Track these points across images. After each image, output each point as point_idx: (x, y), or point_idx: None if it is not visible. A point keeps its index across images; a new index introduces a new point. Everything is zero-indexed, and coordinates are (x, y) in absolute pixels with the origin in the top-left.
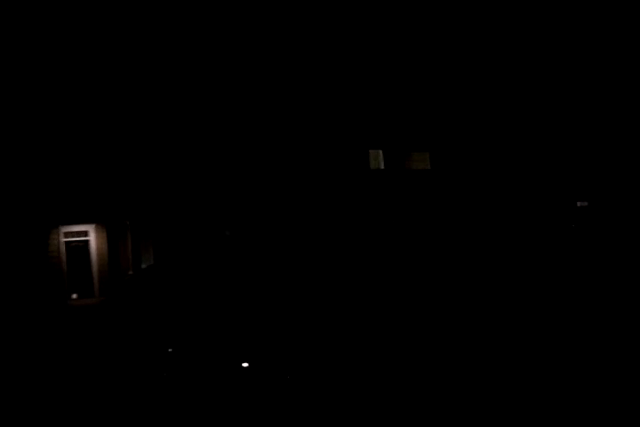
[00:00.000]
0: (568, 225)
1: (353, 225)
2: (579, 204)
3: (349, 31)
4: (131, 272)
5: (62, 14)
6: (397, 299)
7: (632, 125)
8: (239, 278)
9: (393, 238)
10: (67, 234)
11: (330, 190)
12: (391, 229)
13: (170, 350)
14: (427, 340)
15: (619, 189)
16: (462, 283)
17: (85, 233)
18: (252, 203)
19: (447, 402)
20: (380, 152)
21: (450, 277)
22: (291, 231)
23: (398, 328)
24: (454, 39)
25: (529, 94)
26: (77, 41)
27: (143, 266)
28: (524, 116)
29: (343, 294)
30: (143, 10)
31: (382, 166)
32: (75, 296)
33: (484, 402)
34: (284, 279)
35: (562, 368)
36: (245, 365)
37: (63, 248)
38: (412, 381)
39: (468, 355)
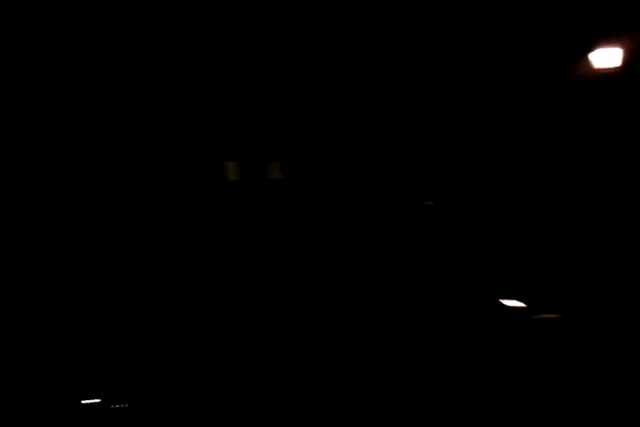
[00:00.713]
0: (417, 224)
1: (213, 239)
2: (425, 203)
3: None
4: None
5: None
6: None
7: (474, 125)
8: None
9: (254, 248)
10: None
11: (186, 206)
12: (252, 238)
13: None
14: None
15: (463, 187)
16: (324, 290)
17: None
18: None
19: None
20: (235, 164)
21: (309, 285)
22: (149, 250)
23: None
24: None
25: (370, 100)
26: None
27: None
28: (367, 122)
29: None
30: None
31: (238, 178)
32: None
33: None
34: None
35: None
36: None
37: None
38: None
39: None
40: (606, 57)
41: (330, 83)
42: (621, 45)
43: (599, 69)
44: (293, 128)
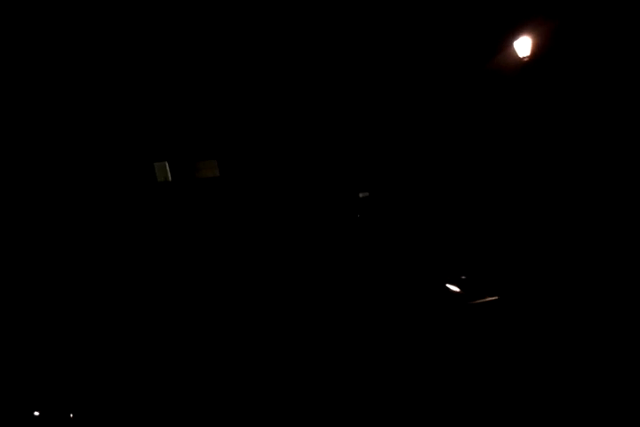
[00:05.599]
0: (354, 215)
1: (147, 241)
2: (361, 195)
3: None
4: None
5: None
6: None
7: (397, 116)
8: None
9: (188, 249)
10: None
11: (115, 209)
12: (186, 239)
13: None
14: None
15: (395, 179)
16: (270, 287)
17: None
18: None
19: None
20: (166, 164)
21: (255, 282)
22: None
23: None
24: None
25: (307, 99)
26: None
27: None
28: (302, 118)
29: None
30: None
31: (170, 178)
32: None
33: None
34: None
35: None
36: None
37: None
38: None
39: None
40: (523, 46)
41: (258, 81)
42: (532, 34)
43: (521, 58)
44: (226, 125)
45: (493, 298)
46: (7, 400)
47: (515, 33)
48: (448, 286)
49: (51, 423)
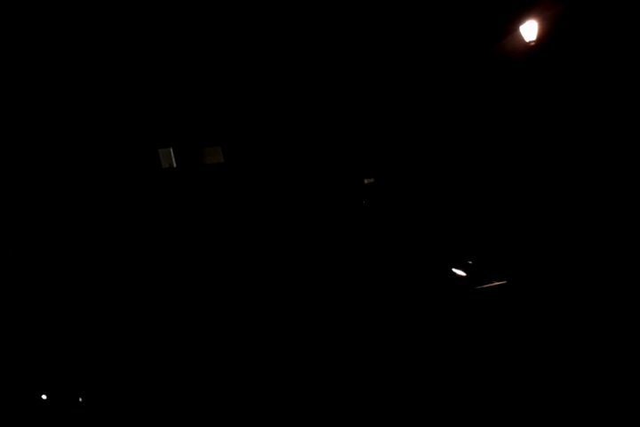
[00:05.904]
0: (359, 201)
1: (151, 228)
2: (366, 181)
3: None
4: None
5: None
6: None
7: (404, 101)
8: None
9: (193, 235)
10: None
11: (120, 195)
12: (191, 225)
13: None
14: None
15: (400, 165)
16: (269, 275)
17: None
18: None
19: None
20: (171, 150)
21: (261, 267)
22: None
23: None
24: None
25: (314, 85)
26: None
27: None
28: (308, 106)
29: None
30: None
31: (174, 164)
32: None
33: None
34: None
35: None
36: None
37: None
38: None
39: None
40: (530, 30)
41: (263, 65)
42: (538, 18)
43: (528, 43)
44: (230, 111)
45: (500, 283)
46: (15, 384)
47: (521, 17)
48: (454, 270)
49: (59, 407)
